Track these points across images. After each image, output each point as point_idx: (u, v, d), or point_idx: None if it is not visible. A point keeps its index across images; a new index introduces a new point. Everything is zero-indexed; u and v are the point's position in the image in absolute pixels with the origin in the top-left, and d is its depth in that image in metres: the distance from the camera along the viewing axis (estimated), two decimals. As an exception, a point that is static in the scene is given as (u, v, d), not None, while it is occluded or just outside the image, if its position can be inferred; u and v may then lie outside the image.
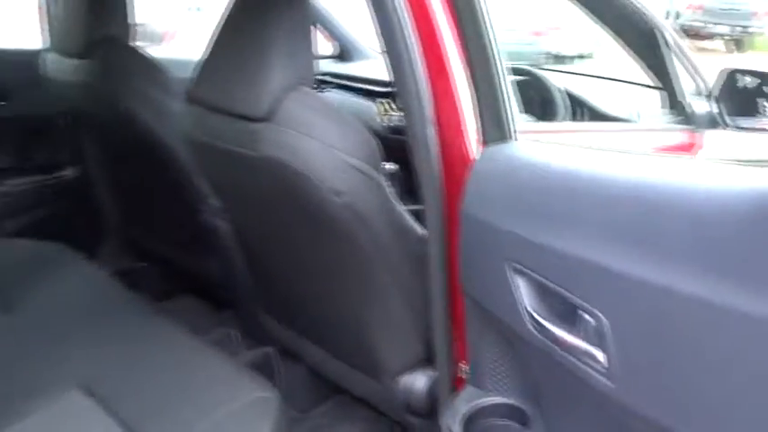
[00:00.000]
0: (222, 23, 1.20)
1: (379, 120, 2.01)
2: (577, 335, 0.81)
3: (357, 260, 1.16)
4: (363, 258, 1.15)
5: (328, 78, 2.34)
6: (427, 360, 1.25)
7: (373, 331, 1.25)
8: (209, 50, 1.24)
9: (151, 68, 1.54)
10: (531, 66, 2.00)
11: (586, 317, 0.78)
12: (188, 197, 1.52)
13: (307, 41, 1.14)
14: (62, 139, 2.02)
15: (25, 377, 1.24)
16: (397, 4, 0.98)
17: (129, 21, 1.65)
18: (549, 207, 0.87)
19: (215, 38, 1.22)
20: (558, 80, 1.88)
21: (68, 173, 2.04)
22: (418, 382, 1.26)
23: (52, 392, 1.17)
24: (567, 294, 0.81)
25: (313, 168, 1.05)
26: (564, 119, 1.69)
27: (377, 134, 1.16)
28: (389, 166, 1.48)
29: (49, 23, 1.81)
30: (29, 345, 1.37)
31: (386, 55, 1.04)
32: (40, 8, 1.88)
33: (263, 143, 1.08)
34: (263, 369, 1.58)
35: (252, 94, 1.09)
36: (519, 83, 1.70)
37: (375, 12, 1.02)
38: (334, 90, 2.30)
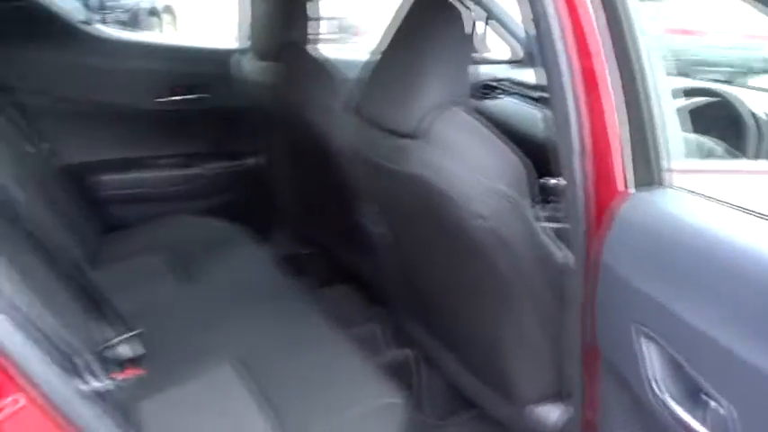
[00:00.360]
0: (392, 37, 1.25)
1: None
2: (702, 421, 0.73)
3: (495, 282, 1.15)
4: (502, 281, 1.14)
5: (504, 85, 2.30)
6: (561, 394, 1.21)
7: (507, 353, 1.24)
8: (378, 63, 1.29)
9: (326, 76, 1.64)
10: (723, 83, 1.79)
11: (713, 403, 0.71)
12: (350, 199, 1.60)
13: (465, 61, 1.14)
14: (250, 132, 2.22)
15: (189, 344, 1.41)
16: (551, 14, 0.93)
17: (309, 28, 1.77)
18: (686, 273, 0.80)
19: (384, 51, 1.27)
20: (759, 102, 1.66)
21: (253, 161, 2.24)
22: (552, 415, 1.22)
23: (209, 363, 1.32)
24: (693, 373, 0.74)
25: (457, 190, 1.06)
26: (758, 155, 1.47)
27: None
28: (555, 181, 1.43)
29: (252, 27, 2.00)
30: (199, 313, 1.56)
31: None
32: (240, 12, 2.08)
33: (410, 160, 1.11)
34: (402, 371, 1.64)
35: (403, 109, 1.13)
36: (704, 106, 1.55)
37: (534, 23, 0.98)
38: (508, 97, 2.26)
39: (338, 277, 2.10)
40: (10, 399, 0.66)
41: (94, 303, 1.30)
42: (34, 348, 0.73)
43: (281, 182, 2.18)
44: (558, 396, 1.21)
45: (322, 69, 1.64)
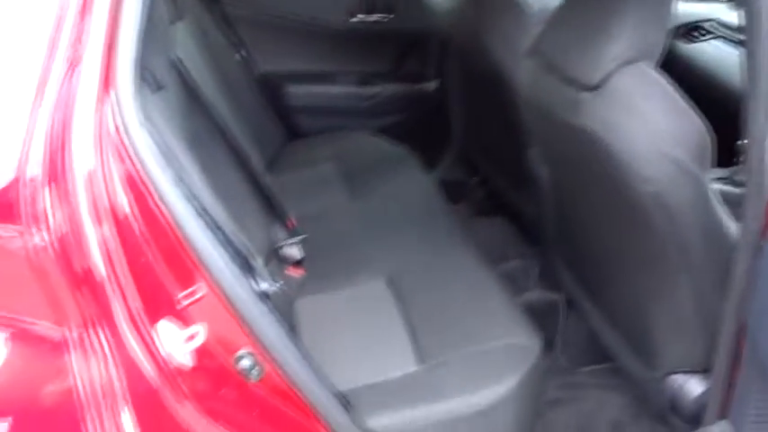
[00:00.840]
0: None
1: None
2: None
3: (653, 249, 1.11)
4: (660, 250, 1.10)
5: (710, 26, 2.09)
6: (703, 369, 1.17)
7: (655, 320, 1.21)
8: (565, 3, 1.24)
9: (517, 10, 1.59)
10: None
11: None
12: (517, 136, 1.59)
13: (662, 13, 1.06)
14: (430, 55, 2.24)
15: (346, 253, 1.53)
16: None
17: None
18: None
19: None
20: None
21: (430, 85, 2.27)
22: (693, 389, 1.19)
23: (363, 275, 1.43)
24: None
25: (627, 150, 1.02)
26: None
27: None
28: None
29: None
30: (359, 226, 1.67)
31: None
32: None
33: (585, 114, 1.07)
34: (545, 313, 1.66)
35: (586, 60, 1.08)
36: None
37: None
38: (714, 41, 2.05)
39: (496, 209, 2.12)
40: (195, 286, 0.78)
41: (270, 206, 1.45)
42: (216, 245, 0.83)
43: (454, 108, 2.21)
44: (698, 370, 1.18)
45: (514, 2, 1.60)
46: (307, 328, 1.28)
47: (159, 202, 0.77)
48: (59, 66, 0.76)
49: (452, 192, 2.02)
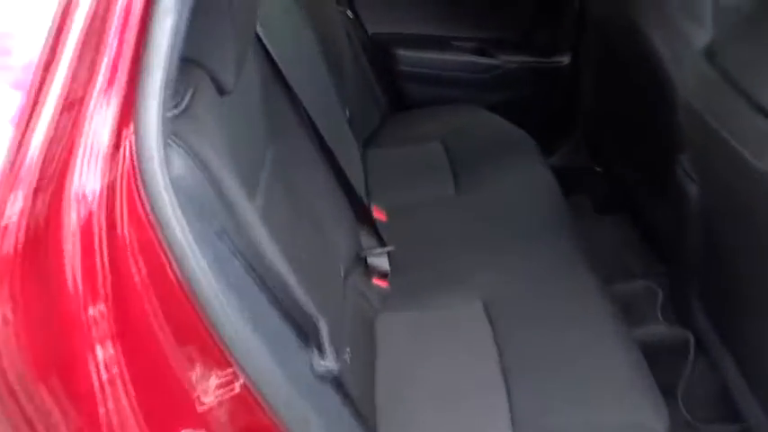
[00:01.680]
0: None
1: None
2: None
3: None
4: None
5: None
6: None
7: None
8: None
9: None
10: None
11: None
12: (665, 137, 1.31)
13: None
14: (564, 25, 1.93)
15: (443, 267, 1.33)
16: None
17: None
18: None
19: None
20: None
21: (561, 60, 1.97)
22: None
23: (456, 295, 1.23)
24: None
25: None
26: None
27: None
28: None
29: None
30: (460, 226, 1.46)
31: None
32: None
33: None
34: (672, 352, 1.40)
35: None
36: None
37: None
38: None
39: (621, 207, 1.84)
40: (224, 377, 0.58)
41: (358, 208, 1.27)
42: (259, 323, 0.62)
43: (586, 87, 1.91)
44: None
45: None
46: (384, 353, 1.12)
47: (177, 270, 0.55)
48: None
49: (571, 181, 1.76)
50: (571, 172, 1.89)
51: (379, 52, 1.93)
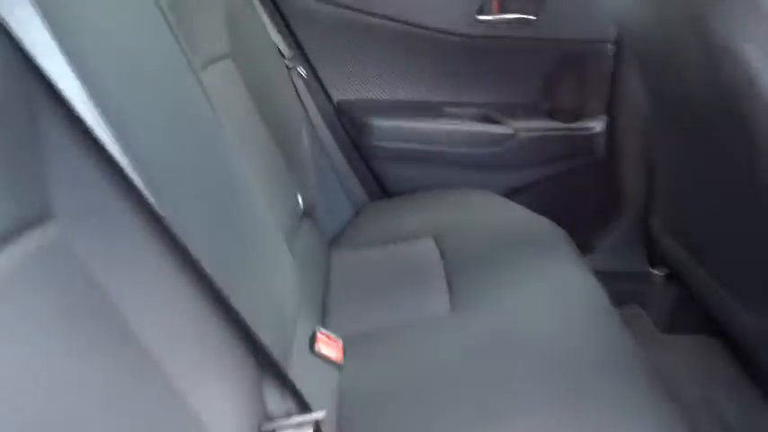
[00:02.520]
0: None
1: None
2: None
3: None
4: None
5: None
6: None
7: None
8: None
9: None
10: None
11: None
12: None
13: None
14: (594, 78, 1.45)
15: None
16: None
17: None
18: None
19: None
20: None
21: (593, 125, 1.48)
22: None
23: None
24: None
25: None
26: None
27: None
28: None
29: None
30: (463, 369, 0.91)
31: None
32: None
33: None
34: None
35: None
36: None
37: None
38: None
39: (700, 324, 1.30)
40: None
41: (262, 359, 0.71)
42: None
43: (628, 161, 1.41)
44: None
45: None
46: None
47: None
48: None
49: (621, 289, 1.22)
50: (620, 276, 1.35)
51: (348, 124, 1.45)
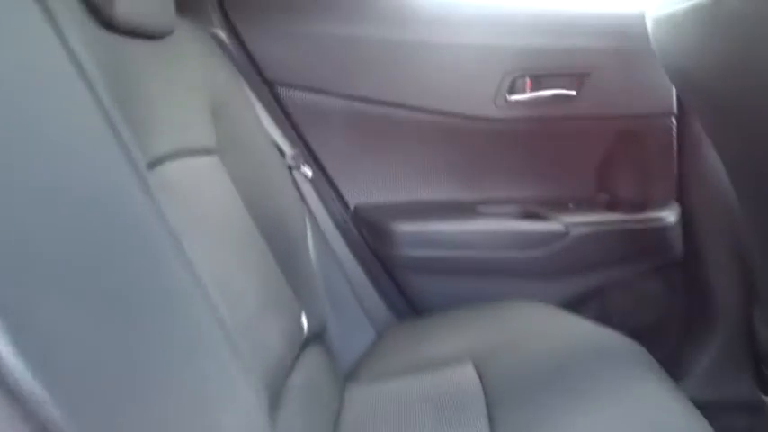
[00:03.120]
0: None
1: None
2: None
3: None
4: None
5: None
6: None
7: None
8: None
9: None
10: None
11: None
12: None
13: None
14: (662, 158, 1.21)
15: None
16: None
17: None
18: None
19: None
20: None
21: (663, 216, 1.21)
22: None
23: None
24: None
25: None
26: None
27: None
28: None
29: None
30: None
31: None
32: None
33: None
34: None
35: None
36: None
37: None
38: None
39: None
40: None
41: None
42: None
43: (715, 257, 1.12)
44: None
45: None
46: None
47: None
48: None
49: (724, 423, 0.89)
50: (722, 407, 1.04)
51: (365, 231, 1.23)
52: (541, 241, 1.20)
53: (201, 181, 0.80)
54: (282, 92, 1.18)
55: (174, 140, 0.73)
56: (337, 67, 1.17)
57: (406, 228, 1.20)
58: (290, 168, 1.13)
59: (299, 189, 1.14)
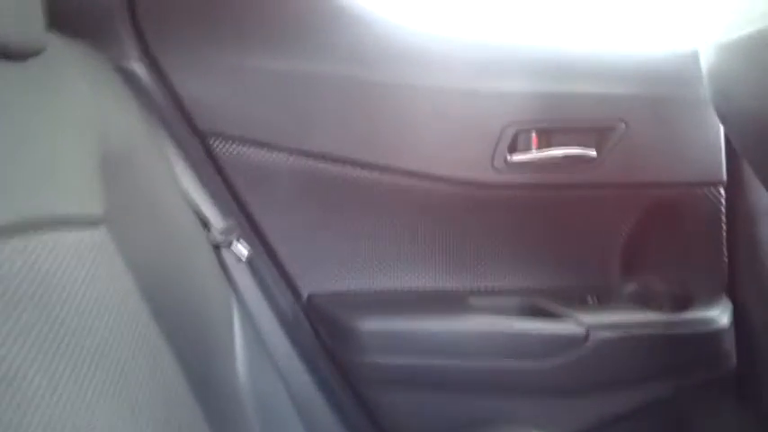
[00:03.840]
0: None
1: None
2: None
3: None
4: None
5: None
6: None
7: None
8: None
9: None
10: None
11: None
12: None
13: None
14: (708, 240, 0.93)
15: None
16: None
17: None
18: None
19: None
20: None
21: (713, 315, 0.92)
22: None
23: None
24: None
25: None
26: None
27: None
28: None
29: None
30: None
31: None
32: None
33: None
34: None
35: None
36: None
37: None
38: None
39: None
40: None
41: None
42: None
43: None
44: None
45: None
46: None
47: None
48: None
49: None
50: None
51: (321, 330, 0.93)
52: (552, 348, 0.90)
53: (72, 267, 0.51)
54: (216, 145, 0.91)
55: (27, 205, 0.46)
56: (289, 113, 0.90)
57: (374, 325, 0.91)
58: (216, 246, 0.85)
59: (228, 274, 0.85)
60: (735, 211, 0.92)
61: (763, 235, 0.90)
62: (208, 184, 0.88)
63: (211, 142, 0.90)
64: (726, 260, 0.93)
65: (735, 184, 0.91)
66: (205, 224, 0.84)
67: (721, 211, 0.92)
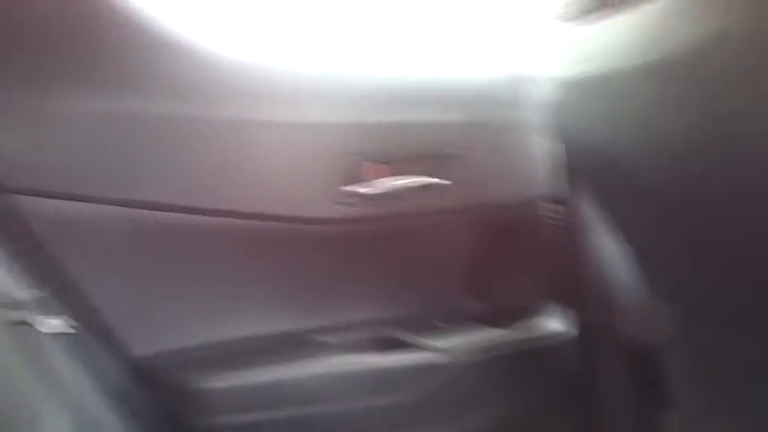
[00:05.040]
0: None
1: None
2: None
3: None
4: None
5: None
6: None
7: None
8: None
9: None
10: None
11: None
12: None
13: None
14: (543, 251, 0.95)
15: None
16: None
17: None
18: None
19: None
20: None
21: (560, 334, 0.94)
22: None
23: None
24: None
25: None
26: None
27: None
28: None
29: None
30: None
31: None
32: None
33: None
34: None
35: None
36: None
37: None
38: None
39: None
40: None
41: None
42: None
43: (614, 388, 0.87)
44: None
45: None
46: None
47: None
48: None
49: None
50: None
51: (156, 395, 0.84)
52: (412, 378, 0.88)
53: None
54: (20, 202, 0.78)
55: None
56: (108, 160, 0.79)
57: (216, 383, 0.83)
58: (19, 323, 0.73)
59: (39, 348, 0.74)
60: (573, 226, 0.94)
61: (599, 247, 0.92)
62: (13, 250, 0.75)
63: (13, 199, 0.78)
64: (566, 272, 0.95)
65: (573, 200, 0.93)
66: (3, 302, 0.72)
67: (560, 226, 0.93)
